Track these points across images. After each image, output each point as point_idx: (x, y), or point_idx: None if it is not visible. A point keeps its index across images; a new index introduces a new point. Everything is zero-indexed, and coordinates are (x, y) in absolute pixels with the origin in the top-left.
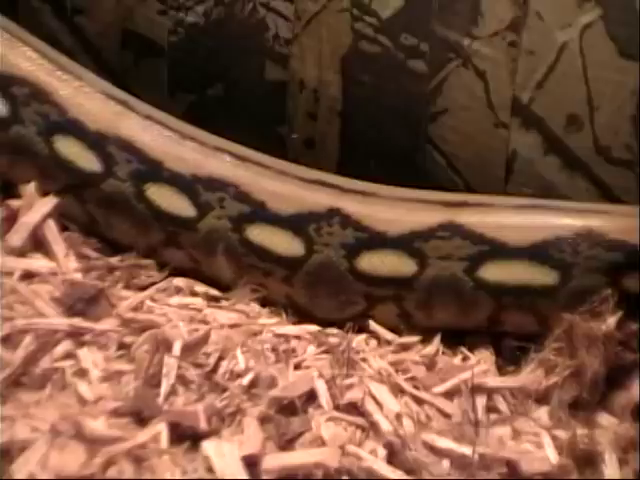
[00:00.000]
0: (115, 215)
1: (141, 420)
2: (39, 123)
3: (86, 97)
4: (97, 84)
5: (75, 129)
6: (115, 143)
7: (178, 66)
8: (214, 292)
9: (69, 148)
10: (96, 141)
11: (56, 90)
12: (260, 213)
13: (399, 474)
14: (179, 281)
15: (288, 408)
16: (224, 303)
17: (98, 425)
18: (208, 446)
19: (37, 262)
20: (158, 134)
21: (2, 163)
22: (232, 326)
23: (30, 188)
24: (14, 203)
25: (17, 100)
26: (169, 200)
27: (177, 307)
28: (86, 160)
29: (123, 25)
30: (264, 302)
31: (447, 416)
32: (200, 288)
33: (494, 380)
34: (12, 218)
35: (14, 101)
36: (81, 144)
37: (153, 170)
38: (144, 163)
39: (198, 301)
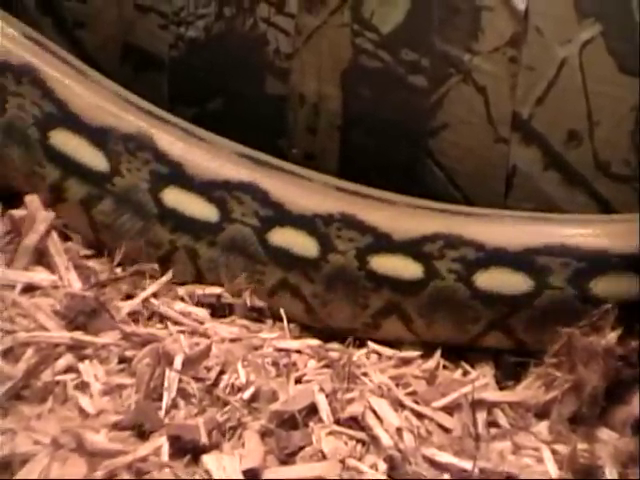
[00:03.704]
0: None
1: (142, 433)
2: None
3: None
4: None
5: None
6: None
7: (179, 80)
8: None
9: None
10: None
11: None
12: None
13: None
14: (181, 290)
15: (289, 422)
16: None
17: (99, 438)
18: (209, 460)
19: (38, 275)
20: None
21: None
22: (233, 340)
23: (33, 199)
24: (17, 213)
25: None
26: (295, 240)
27: (179, 318)
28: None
29: (124, 39)
30: (265, 316)
31: (447, 430)
32: (201, 294)
33: (494, 395)
34: (15, 229)
35: None
36: None
37: (277, 213)
38: (268, 206)
39: (200, 311)
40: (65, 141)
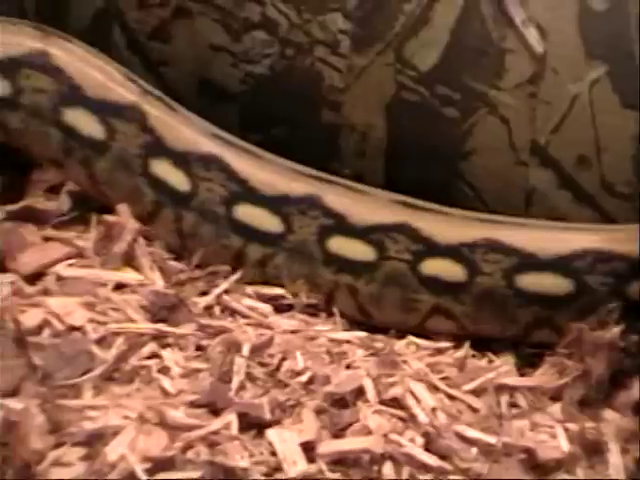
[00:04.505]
0: None
1: (215, 410)
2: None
3: None
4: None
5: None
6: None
7: (247, 110)
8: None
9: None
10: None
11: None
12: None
13: (434, 459)
14: (249, 289)
15: (340, 402)
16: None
17: (178, 414)
18: (272, 433)
19: (127, 275)
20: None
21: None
22: (293, 332)
23: (124, 208)
24: (109, 219)
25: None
26: (444, 268)
27: (247, 312)
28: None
29: (200, 75)
30: (320, 311)
31: (475, 410)
32: (266, 294)
33: (515, 380)
34: (108, 235)
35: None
36: None
37: (338, 223)
38: (419, 242)
39: (265, 307)
40: (247, 213)
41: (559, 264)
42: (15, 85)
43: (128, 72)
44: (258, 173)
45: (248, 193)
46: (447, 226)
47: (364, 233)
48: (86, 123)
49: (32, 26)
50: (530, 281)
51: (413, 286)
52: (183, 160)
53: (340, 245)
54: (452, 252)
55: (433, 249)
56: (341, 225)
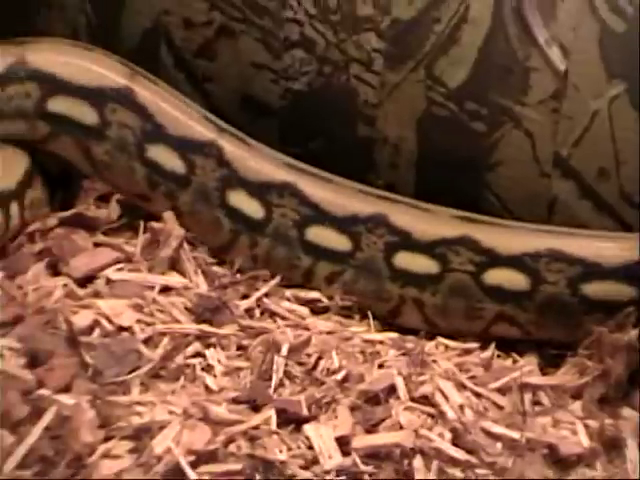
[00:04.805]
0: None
1: (255, 407)
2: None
3: None
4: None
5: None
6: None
7: (286, 124)
8: (316, 302)
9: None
10: None
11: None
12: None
13: (461, 453)
14: (287, 292)
15: (373, 399)
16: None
17: (221, 410)
18: (309, 428)
19: (173, 279)
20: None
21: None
22: (329, 333)
23: (170, 215)
24: (156, 226)
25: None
26: (507, 277)
27: (285, 314)
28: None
29: (243, 91)
30: (354, 313)
31: (500, 408)
32: (304, 297)
33: (538, 379)
34: (154, 241)
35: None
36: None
37: (403, 239)
38: (481, 253)
39: (303, 309)
40: (317, 234)
41: (622, 272)
42: (103, 117)
43: (205, 112)
44: (328, 196)
45: (319, 215)
46: (509, 237)
47: (428, 248)
48: (168, 159)
49: (122, 62)
50: (594, 289)
51: (477, 296)
52: (258, 190)
53: (406, 260)
54: (515, 262)
55: (496, 260)
56: (406, 241)
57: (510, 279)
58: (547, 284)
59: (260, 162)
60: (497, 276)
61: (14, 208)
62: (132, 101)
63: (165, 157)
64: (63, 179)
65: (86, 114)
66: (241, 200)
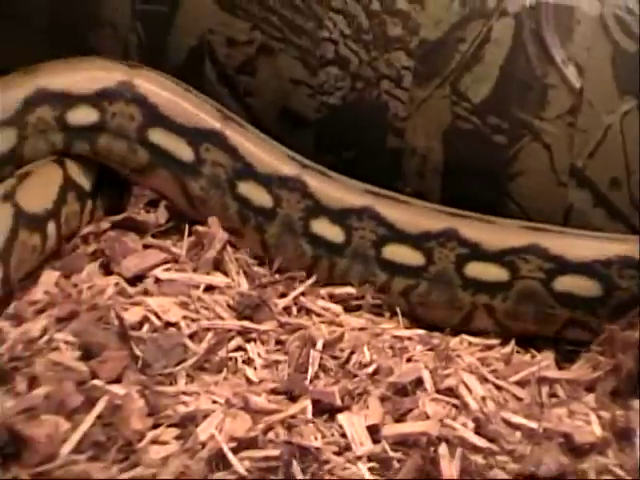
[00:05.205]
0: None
1: (292, 397)
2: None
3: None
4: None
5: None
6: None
7: (321, 136)
8: (349, 300)
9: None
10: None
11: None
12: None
13: (483, 441)
14: (322, 291)
15: (401, 391)
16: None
17: (260, 400)
18: (342, 417)
19: (217, 278)
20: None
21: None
22: (361, 329)
23: (214, 220)
24: (201, 229)
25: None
26: (577, 284)
27: (320, 311)
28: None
29: (281, 105)
30: (385, 311)
31: (519, 399)
32: (337, 295)
33: (555, 373)
34: (199, 243)
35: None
36: None
37: (473, 250)
38: (550, 260)
39: (337, 307)
40: (393, 251)
41: None
42: (198, 155)
43: (289, 150)
44: (403, 216)
45: (395, 234)
46: (579, 245)
47: (497, 257)
48: (257, 195)
49: (216, 107)
50: None
51: (548, 302)
52: (339, 216)
53: (476, 270)
54: (585, 269)
55: (565, 267)
56: (476, 252)
57: (580, 285)
58: (620, 290)
59: (341, 191)
60: (567, 282)
61: (51, 227)
62: (224, 143)
63: (255, 193)
64: (114, 185)
65: (183, 150)
66: (323, 227)
